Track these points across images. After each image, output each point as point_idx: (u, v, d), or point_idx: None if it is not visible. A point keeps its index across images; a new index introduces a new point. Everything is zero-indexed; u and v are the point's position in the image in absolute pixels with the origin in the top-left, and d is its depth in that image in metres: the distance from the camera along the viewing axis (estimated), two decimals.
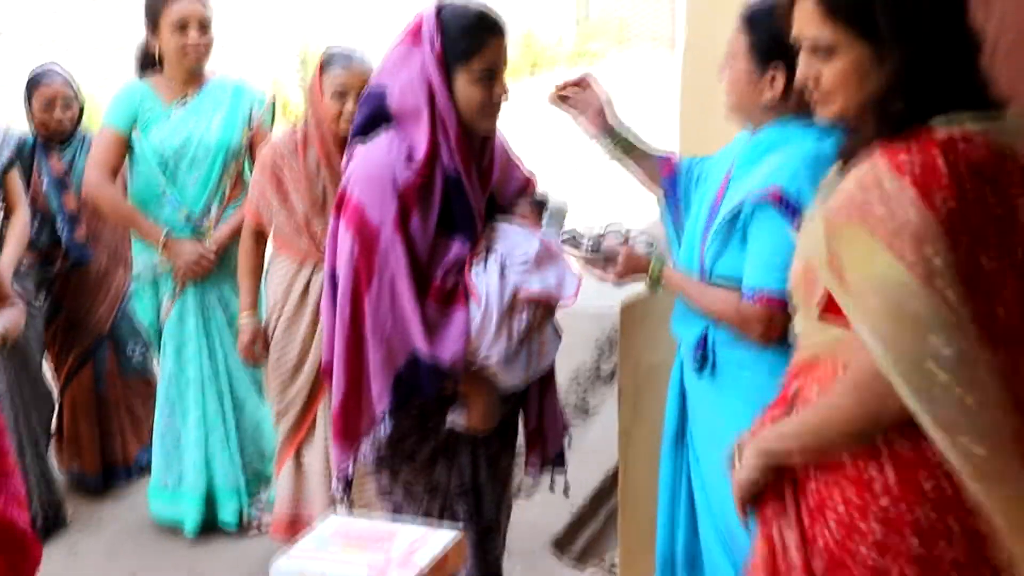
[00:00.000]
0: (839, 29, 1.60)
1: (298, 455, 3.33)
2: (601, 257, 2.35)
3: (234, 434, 3.71)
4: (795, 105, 2.17)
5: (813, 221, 1.66)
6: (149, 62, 3.61)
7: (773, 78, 2.20)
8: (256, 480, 3.78)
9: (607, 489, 4.07)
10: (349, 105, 3.00)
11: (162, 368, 3.74)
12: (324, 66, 3.08)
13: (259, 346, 3.30)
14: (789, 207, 2.10)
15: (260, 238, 3.30)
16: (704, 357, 2.32)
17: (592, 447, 4.27)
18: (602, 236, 2.41)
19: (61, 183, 3.95)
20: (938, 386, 1.44)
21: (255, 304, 3.34)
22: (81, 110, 4.04)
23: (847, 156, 1.65)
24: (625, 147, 2.60)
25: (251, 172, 3.59)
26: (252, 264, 3.34)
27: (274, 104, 3.75)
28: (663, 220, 2.64)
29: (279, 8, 13.41)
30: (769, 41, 2.16)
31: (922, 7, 1.56)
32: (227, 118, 3.58)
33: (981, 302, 1.48)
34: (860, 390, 1.54)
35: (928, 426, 1.46)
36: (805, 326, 1.71)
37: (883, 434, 1.55)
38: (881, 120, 1.56)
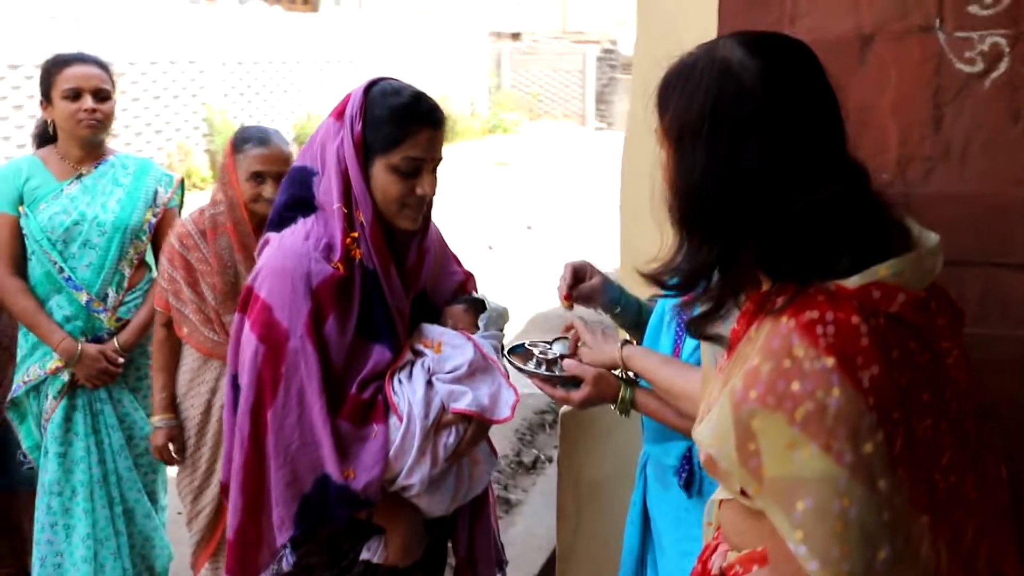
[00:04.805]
0: (659, 125, 1.41)
1: (215, 558, 3.05)
2: (560, 379, 2.02)
3: (126, 547, 3.29)
4: None
5: (711, 390, 1.37)
6: (45, 140, 3.30)
7: None
8: None
9: None
10: (268, 188, 2.78)
11: (42, 479, 3.27)
12: (237, 145, 2.82)
13: (174, 449, 3.03)
14: None
15: (173, 329, 3.01)
16: (691, 477, 2.05)
17: (515, 548, 3.96)
18: (552, 351, 2.08)
19: None
20: None
21: (171, 402, 3.02)
22: None
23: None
24: (635, 313, 2.29)
25: (155, 257, 3.30)
26: (165, 358, 3.03)
27: (183, 184, 3.44)
28: None
29: (183, 71, 13.04)
30: None
31: (701, 123, 1.31)
32: (127, 197, 3.25)
33: (918, 473, 1.22)
34: None
35: None
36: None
37: None
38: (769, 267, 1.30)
